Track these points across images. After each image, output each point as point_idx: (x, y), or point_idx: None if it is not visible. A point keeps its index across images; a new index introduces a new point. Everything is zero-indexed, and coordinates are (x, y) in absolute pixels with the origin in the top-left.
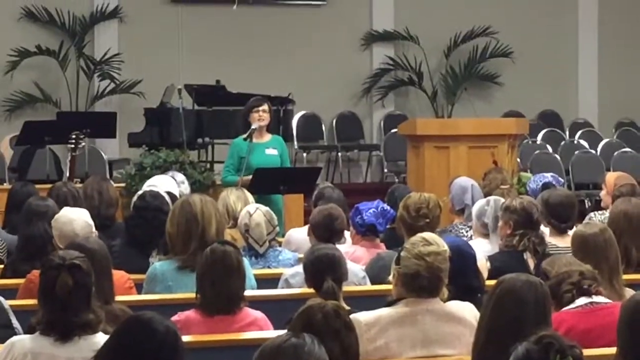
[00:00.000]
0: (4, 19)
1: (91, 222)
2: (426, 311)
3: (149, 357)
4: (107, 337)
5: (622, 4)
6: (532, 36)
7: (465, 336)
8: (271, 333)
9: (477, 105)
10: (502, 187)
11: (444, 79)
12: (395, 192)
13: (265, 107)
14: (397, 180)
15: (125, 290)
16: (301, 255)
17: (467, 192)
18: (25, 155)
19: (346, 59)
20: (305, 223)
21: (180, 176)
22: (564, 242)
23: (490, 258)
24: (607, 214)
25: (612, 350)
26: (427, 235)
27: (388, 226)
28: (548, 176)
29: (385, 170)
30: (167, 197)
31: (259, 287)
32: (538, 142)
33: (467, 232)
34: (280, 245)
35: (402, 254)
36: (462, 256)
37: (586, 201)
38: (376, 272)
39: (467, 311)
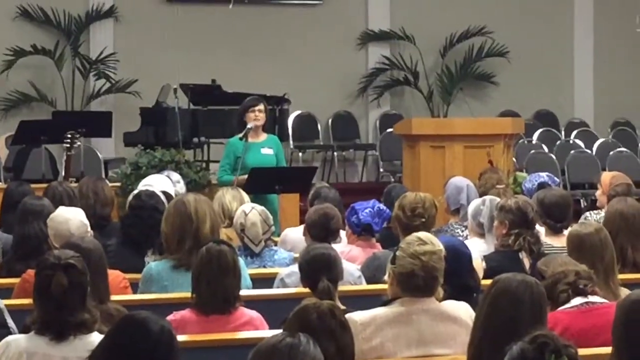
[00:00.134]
0: None
1: (86, 222)
2: (421, 311)
3: (144, 356)
4: (102, 336)
5: (617, 3)
6: (527, 36)
7: (461, 336)
8: (266, 333)
9: (472, 105)
10: (498, 186)
11: (440, 78)
12: (392, 192)
13: (261, 107)
14: (392, 179)
15: (121, 289)
16: (297, 255)
17: (463, 191)
18: (21, 155)
19: (342, 59)
20: (301, 223)
21: (175, 175)
22: (559, 241)
23: (486, 258)
24: (602, 213)
25: (608, 350)
26: (423, 234)
27: (384, 226)
28: (544, 176)
29: (381, 170)
30: (162, 197)
31: (255, 286)
32: (534, 142)
33: (462, 231)
34: (275, 245)
35: (397, 253)
36: (458, 256)
37: (582, 201)
38: (372, 272)
39: (463, 311)
